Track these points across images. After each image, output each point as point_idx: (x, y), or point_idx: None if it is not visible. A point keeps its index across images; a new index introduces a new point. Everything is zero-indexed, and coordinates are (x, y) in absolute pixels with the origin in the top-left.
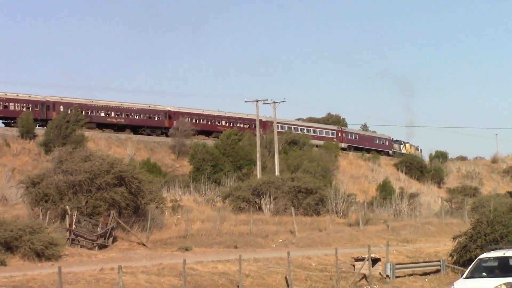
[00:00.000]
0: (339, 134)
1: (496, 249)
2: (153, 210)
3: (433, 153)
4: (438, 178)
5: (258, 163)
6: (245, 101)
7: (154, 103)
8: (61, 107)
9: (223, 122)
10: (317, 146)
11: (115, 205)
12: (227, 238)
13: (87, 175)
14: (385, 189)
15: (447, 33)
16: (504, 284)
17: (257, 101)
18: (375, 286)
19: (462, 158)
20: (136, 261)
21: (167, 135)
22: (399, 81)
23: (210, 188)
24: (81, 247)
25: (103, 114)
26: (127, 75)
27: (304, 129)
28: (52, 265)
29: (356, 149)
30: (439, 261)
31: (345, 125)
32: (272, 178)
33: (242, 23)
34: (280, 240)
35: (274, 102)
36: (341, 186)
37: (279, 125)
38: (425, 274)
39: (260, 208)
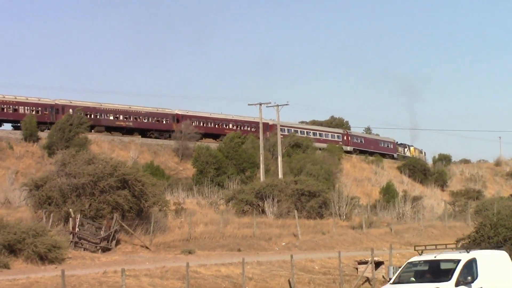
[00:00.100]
0: (345, 138)
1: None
2: (156, 213)
3: (437, 156)
4: (441, 181)
5: (262, 166)
6: (248, 104)
7: (155, 105)
8: (70, 110)
9: (230, 126)
10: (321, 149)
11: (118, 208)
12: (230, 241)
13: (90, 178)
14: (388, 192)
15: (449, 35)
16: None
17: (260, 104)
18: None
19: (466, 161)
20: (139, 264)
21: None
22: (402, 83)
23: (213, 191)
24: (84, 250)
25: (111, 118)
26: (129, 77)
27: (310, 132)
28: (55, 268)
29: (362, 152)
30: None
31: (349, 128)
32: (276, 181)
33: (244, 25)
34: (283, 243)
35: (277, 105)
36: (345, 189)
37: (286, 128)
38: None
39: (263, 211)
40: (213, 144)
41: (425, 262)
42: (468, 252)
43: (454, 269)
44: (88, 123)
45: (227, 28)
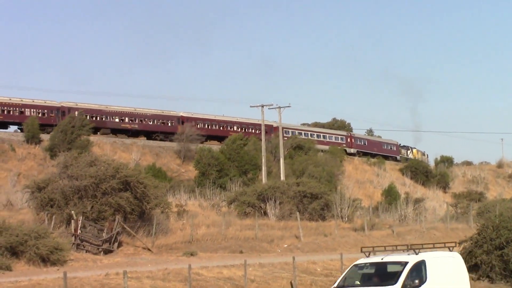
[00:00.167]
0: (349, 140)
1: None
2: (159, 215)
3: (439, 158)
4: (443, 183)
5: (264, 168)
6: (250, 106)
7: (157, 107)
8: (76, 112)
9: (235, 128)
10: (326, 151)
11: (120, 210)
12: (232, 243)
13: (92, 180)
14: (390, 194)
15: (451, 36)
16: None
17: (262, 106)
18: None
19: (468, 163)
20: (141, 266)
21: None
22: (404, 85)
23: (216, 193)
24: (86, 252)
25: (117, 120)
26: (131, 79)
27: (314, 134)
28: (58, 270)
29: (365, 154)
30: None
31: (351, 129)
32: (278, 183)
33: (245, 27)
34: (285, 245)
35: (279, 107)
36: (347, 191)
37: (290, 130)
38: None
39: (265, 213)
40: (215, 146)
41: (372, 264)
42: (417, 254)
43: (401, 272)
44: (90, 125)
45: (228, 30)
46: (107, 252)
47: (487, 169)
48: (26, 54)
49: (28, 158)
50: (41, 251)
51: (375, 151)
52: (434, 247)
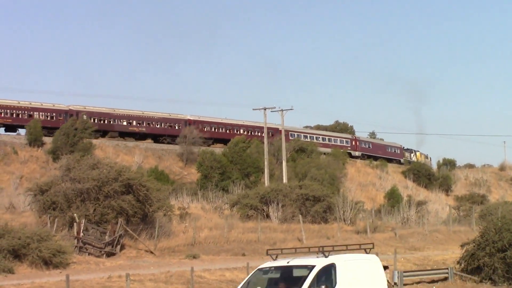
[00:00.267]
0: (353, 143)
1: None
2: (161, 218)
3: (441, 161)
4: (446, 186)
5: (266, 170)
6: (253, 109)
7: (161, 110)
8: (84, 116)
9: (241, 131)
10: (325, 154)
11: (122, 213)
12: (235, 245)
13: (95, 183)
14: (393, 197)
15: (454, 40)
16: None
17: (264, 109)
18: None
19: (470, 166)
20: (144, 269)
21: None
22: (407, 88)
23: (218, 195)
24: (89, 255)
25: (125, 123)
26: (135, 82)
27: (320, 137)
28: (60, 273)
29: (370, 157)
30: (447, 268)
31: (353, 132)
32: (280, 185)
33: (249, 30)
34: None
35: (282, 110)
36: (349, 193)
37: (296, 133)
38: (433, 281)
39: (267, 216)
40: (217, 149)
41: (277, 268)
42: (326, 257)
43: (306, 277)
44: (92, 128)
45: (232, 33)
46: (110, 255)
47: (490, 172)
48: (35, 58)
49: (30, 161)
50: (43, 254)
51: (380, 154)
52: (347, 249)
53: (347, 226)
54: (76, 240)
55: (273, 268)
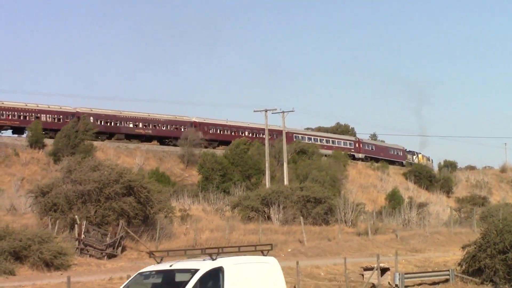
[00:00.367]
0: (357, 145)
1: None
2: (162, 220)
3: (442, 163)
4: (447, 188)
5: (267, 172)
6: (254, 111)
7: (162, 112)
8: (91, 118)
9: (246, 133)
10: (327, 156)
11: (124, 214)
12: None
13: (96, 184)
14: (394, 199)
15: (455, 41)
16: None
17: (265, 111)
18: None
19: (471, 168)
20: None
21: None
22: (409, 90)
23: (219, 197)
24: (90, 256)
25: (131, 125)
26: (137, 84)
27: (323, 139)
28: (61, 274)
29: (373, 159)
30: (448, 270)
31: (354, 134)
32: (281, 187)
33: (250, 31)
34: (289, 250)
35: (283, 112)
36: (350, 195)
37: (300, 135)
38: (434, 283)
39: (269, 218)
40: (218, 151)
41: (158, 272)
42: (214, 260)
43: (187, 282)
44: (93, 130)
45: (233, 34)
46: (111, 256)
47: (491, 174)
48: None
49: (31, 163)
50: (44, 256)
51: (382, 156)
52: (239, 251)
53: (348, 228)
54: (77, 242)
55: (154, 272)
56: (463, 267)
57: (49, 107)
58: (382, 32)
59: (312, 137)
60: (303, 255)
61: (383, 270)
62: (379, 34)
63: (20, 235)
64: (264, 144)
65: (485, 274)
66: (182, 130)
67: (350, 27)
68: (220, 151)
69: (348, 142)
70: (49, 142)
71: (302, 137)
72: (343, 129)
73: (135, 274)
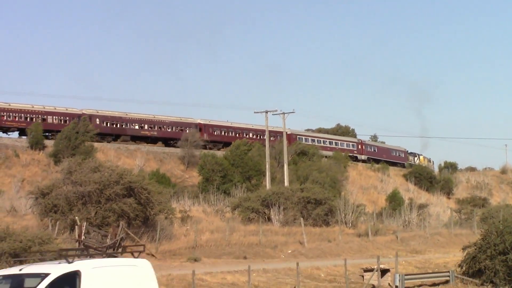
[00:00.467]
0: (359, 147)
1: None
2: (162, 221)
3: (442, 164)
4: (447, 189)
5: (268, 173)
6: (255, 112)
7: (163, 113)
8: (97, 119)
9: (250, 135)
10: (327, 157)
11: (124, 216)
12: (236, 248)
13: (96, 186)
14: (394, 200)
15: (455, 43)
16: None
17: (266, 112)
18: None
19: (472, 169)
20: None
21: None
22: (409, 91)
23: (219, 198)
24: (90, 258)
25: (137, 127)
26: (139, 86)
27: (326, 141)
28: None
29: (375, 161)
30: (448, 272)
31: (355, 135)
32: (282, 188)
33: (251, 33)
34: (289, 251)
35: (283, 113)
36: (350, 196)
37: (303, 137)
38: (435, 285)
39: (269, 219)
40: (219, 152)
41: (6, 277)
42: (70, 263)
43: None
44: (94, 131)
45: (234, 37)
46: (111, 258)
47: (491, 175)
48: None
49: (32, 164)
50: (45, 257)
51: (385, 158)
52: (107, 253)
53: (349, 229)
54: (77, 243)
55: (1, 277)
56: (463, 268)
57: (55, 108)
58: (383, 33)
59: (316, 139)
60: (304, 256)
61: (383, 271)
62: (379, 35)
63: (20, 236)
64: (265, 146)
65: (485, 275)
66: (187, 131)
67: (350, 28)
68: (220, 153)
69: (351, 143)
70: (49, 143)
71: (305, 139)
72: (343, 131)
73: None
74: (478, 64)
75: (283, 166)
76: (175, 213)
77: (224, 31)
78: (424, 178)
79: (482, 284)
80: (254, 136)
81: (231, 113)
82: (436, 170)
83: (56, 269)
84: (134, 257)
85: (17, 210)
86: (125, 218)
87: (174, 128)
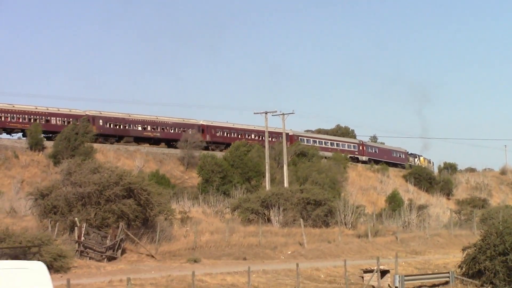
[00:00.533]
0: (360, 148)
1: None
2: (162, 222)
3: (442, 165)
4: (447, 190)
5: (267, 174)
6: (254, 113)
7: (164, 114)
8: (100, 121)
9: (253, 136)
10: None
11: (123, 217)
12: (236, 249)
13: (96, 187)
14: (394, 201)
15: (455, 44)
16: None
17: (266, 113)
18: None
19: (471, 170)
20: (145, 273)
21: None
22: (409, 92)
23: (219, 199)
24: (90, 259)
25: (140, 128)
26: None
27: (328, 142)
28: (61, 277)
29: (376, 162)
30: (448, 272)
31: (354, 136)
32: (281, 189)
33: (251, 34)
34: (289, 252)
35: (283, 114)
36: (350, 197)
37: (305, 138)
38: (434, 286)
39: (269, 220)
40: (218, 153)
41: None
42: None
43: None
44: (93, 132)
45: (235, 38)
46: (111, 259)
47: (491, 176)
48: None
49: (31, 165)
50: (44, 258)
51: (385, 159)
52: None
53: (348, 230)
54: (77, 244)
55: None
56: (463, 269)
57: (58, 110)
58: (383, 33)
59: (317, 140)
60: (303, 257)
61: (383, 272)
62: (379, 35)
63: (20, 237)
64: (264, 146)
65: (485, 276)
66: (190, 133)
67: (350, 28)
68: (220, 154)
69: (352, 144)
70: (49, 144)
71: (307, 140)
72: (343, 131)
73: None
74: (478, 64)
75: (282, 167)
76: (175, 214)
77: (225, 32)
78: (423, 179)
79: (482, 285)
80: (256, 137)
81: (232, 114)
82: (436, 171)
83: None
84: (27, 259)
85: (16, 211)
86: (124, 219)
87: (177, 129)
